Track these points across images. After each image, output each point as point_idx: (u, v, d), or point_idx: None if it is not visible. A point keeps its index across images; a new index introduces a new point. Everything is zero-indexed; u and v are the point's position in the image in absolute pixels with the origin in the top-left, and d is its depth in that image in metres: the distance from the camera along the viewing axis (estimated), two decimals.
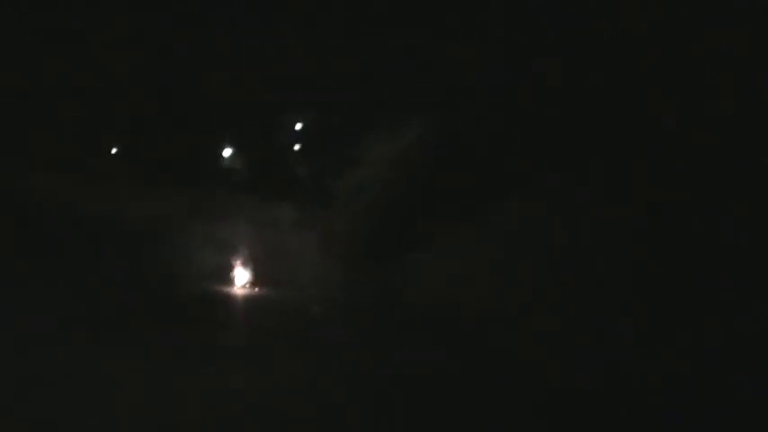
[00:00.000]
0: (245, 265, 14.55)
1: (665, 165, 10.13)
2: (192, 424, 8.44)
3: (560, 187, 11.64)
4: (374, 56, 14.05)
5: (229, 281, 14.38)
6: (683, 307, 8.90)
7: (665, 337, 8.84)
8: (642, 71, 10.85)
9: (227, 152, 16.43)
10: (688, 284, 9.07)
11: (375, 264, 13.62)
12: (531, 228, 11.81)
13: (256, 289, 14.32)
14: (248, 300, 14.04)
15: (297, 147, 16.35)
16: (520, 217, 12.02)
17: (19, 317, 10.74)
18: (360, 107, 14.70)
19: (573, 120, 11.53)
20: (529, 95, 12.11)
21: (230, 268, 14.52)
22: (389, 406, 8.83)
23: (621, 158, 10.78)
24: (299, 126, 16.26)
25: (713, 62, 9.92)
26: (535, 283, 10.97)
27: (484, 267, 12.06)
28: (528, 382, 8.84)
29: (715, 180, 9.56)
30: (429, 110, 13.70)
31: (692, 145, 9.95)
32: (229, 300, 13.88)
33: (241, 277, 14.43)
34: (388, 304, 12.56)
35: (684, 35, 10.35)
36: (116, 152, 16.29)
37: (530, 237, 11.72)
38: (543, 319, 10.13)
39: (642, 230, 10.02)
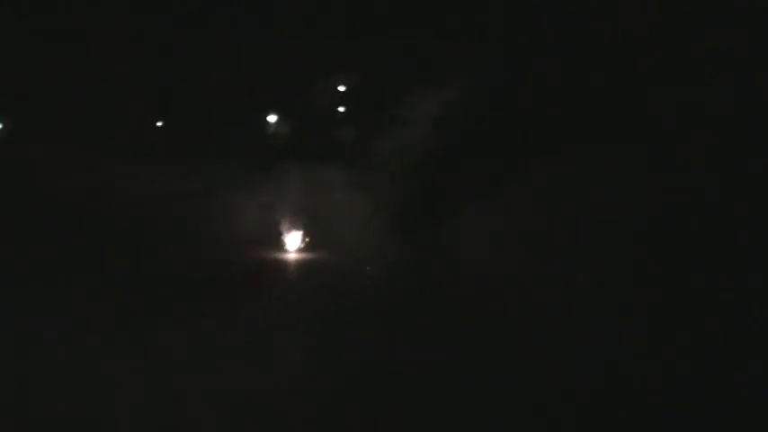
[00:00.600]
0: (292, 230, 14.85)
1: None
2: (249, 387, 8.62)
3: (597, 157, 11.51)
4: (418, 18, 14.07)
5: (278, 246, 14.68)
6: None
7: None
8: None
9: (271, 118, 16.57)
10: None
11: (419, 224, 13.67)
12: (568, 193, 11.70)
13: (304, 253, 14.55)
14: (297, 264, 14.22)
15: (341, 109, 16.44)
16: (559, 181, 11.96)
17: (70, 288, 11.55)
18: (402, 68, 14.77)
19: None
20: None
21: (278, 234, 14.80)
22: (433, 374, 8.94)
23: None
24: (342, 88, 16.33)
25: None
26: (567, 253, 10.95)
27: (527, 228, 11.98)
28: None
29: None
30: (471, 69, 13.70)
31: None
32: (278, 265, 14.11)
33: (289, 242, 14.78)
34: (430, 266, 12.60)
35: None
36: (161, 125, 16.43)
37: (566, 201, 11.62)
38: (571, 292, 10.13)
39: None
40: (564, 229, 11.53)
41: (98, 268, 12.94)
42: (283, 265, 14.52)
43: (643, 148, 10.71)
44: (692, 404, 7.72)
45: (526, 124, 12.76)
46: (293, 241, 15.12)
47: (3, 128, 15.65)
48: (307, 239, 15.10)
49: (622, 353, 8.83)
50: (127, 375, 8.83)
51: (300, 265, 14.54)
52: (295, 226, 15.24)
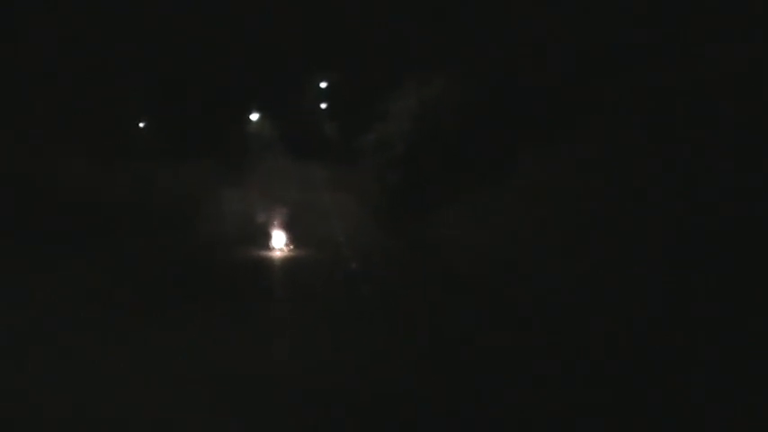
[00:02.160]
0: (277, 227, 14.73)
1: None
2: (234, 387, 8.71)
3: (584, 144, 11.64)
4: (397, 13, 13.95)
5: (263, 244, 14.53)
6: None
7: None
8: None
9: (254, 116, 16.39)
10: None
11: (405, 219, 13.68)
12: (555, 183, 11.81)
13: (290, 251, 14.41)
14: (283, 262, 14.10)
15: (323, 106, 16.32)
16: (544, 172, 12.02)
17: (63, 287, 11.53)
18: (383, 64, 14.67)
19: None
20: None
21: (263, 232, 14.69)
22: (431, 361, 9.15)
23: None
24: (323, 85, 16.20)
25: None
26: (557, 238, 11.04)
27: (510, 220, 12.08)
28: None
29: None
30: (452, 66, 13.67)
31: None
32: (264, 263, 13.97)
33: (275, 240, 14.61)
34: (418, 258, 12.63)
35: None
36: (144, 125, 16.21)
37: (554, 191, 11.70)
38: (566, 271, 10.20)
39: None
40: (548, 217, 11.60)
41: (85, 267, 12.88)
42: (269, 263, 14.43)
43: (630, 133, 10.77)
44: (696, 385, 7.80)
45: (509, 117, 12.80)
46: (279, 239, 14.98)
47: None
48: (292, 237, 14.98)
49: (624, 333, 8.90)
50: (120, 369, 9.01)
51: (286, 262, 14.47)
52: (280, 224, 15.12)
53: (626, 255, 10.07)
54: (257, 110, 15.94)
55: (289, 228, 14.95)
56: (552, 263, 11.12)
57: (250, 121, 16.03)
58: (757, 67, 9.51)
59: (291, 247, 14.85)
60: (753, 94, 9.50)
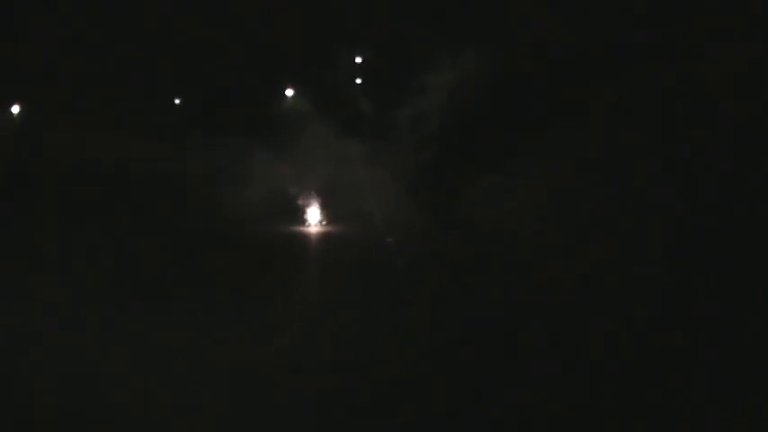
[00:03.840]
0: (314, 203, 14.69)
1: None
2: (268, 360, 9.14)
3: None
4: None
5: (299, 220, 14.56)
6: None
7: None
8: None
9: (289, 92, 16.43)
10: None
11: (439, 194, 13.69)
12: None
13: (325, 226, 14.43)
14: (318, 237, 14.15)
15: (358, 81, 16.35)
16: (578, 146, 12.02)
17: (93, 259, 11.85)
18: (417, 39, 14.73)
19: None
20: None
21: (299, 207, 14.67)
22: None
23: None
24: (359, 60, 16.23)
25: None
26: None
27: (542, 196, 12.08)
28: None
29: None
30: (485, 41, 13.72)
31: None
32: (300, 238, 14.07)
33: (310, 215, 14.59)
34: (451, 234, 12.67)
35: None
36: (179, 103, 16.27)
37: (589, 166, 11.69)
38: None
39: None
40: (582, 196, 11.57)
41: (119, 243, 13.00)
42: (304, 238, 14.53)
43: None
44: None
45: (544, 92, 12.78)
46: (314, 215, 15.05)
47: (21, 110, 15.49)
48: (327, 212, 15.03)
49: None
50: (143, 348, 9.32)
51: (321, 238, 14.56)
52: (315, 199, 15.18)
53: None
54: (292, 86, 15.94)
55: (324, 203, 14.99)
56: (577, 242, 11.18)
57: (285, 96, 16.02)
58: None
59: (326, 222, 14.89)
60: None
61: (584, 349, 8.99)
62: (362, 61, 15.56)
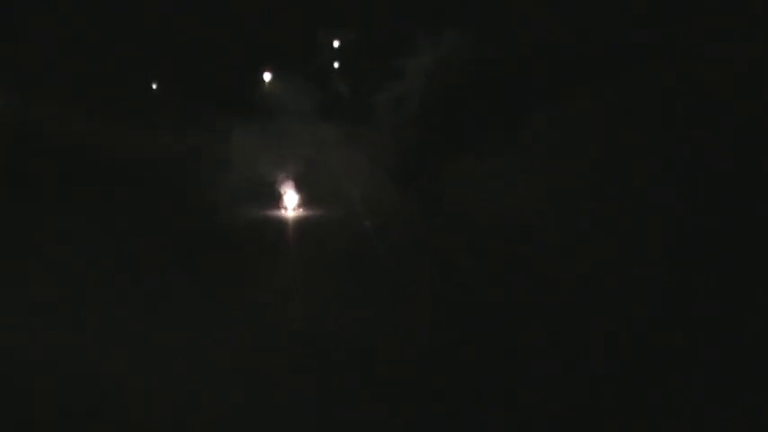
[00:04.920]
0: (291, 187, 14.58)
1: None
2: (245, 346, 9.21)
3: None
4: None
5: (277, 204, 14.47)
6: None
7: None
8: None
9: (266, 76, 16.39)
10: None
11: (418, 177, 13.67)
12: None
13: (303, 211, 14.37)
14: (296, 221, 14.08)
15: (336, 65, 16.33)
16: (557, 131, 12.01)
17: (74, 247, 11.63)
18: (396, 22, 14.75)
19: None
20: None
21: (277, 191, 14.59)
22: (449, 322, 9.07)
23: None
24: (336, 44, 16.21)
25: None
26: (571, 196, 11.05)
27: (523, 178, 12.07)
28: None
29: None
30: (464, 21, 13.74)
31: None
32: (278, 223, 14.00)
33: (288, 199, 14.50)
34: (431, 216, 12.65)
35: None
36: (156, 88, 16.26)
37: (567, 149, 11.68)
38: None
39: None
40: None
41: (100, 230, 12.89)
42: (283, 222, 14.46)
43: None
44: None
45: (521, 75, 12.78)
46: (292, 199, 14.97)
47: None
48: (306, 196, 14.96)
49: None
50: (125, 332, 9.41)
51: (300, 222, 14.49)
52: (294, 183, 15.11)
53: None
54: (270, 70, 15.91)
55: (302, 187, 14.92)
56: (558, 224, 11.18)
57: (263, 81, 15.99)
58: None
59: (305, 206, 14.81)
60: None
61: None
62: (340, 45, 15.56)
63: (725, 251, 8.91)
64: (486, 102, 13.34)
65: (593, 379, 8.50)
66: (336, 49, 15.52)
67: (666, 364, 8.40)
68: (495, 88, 13.22)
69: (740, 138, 9.46)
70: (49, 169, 14.18)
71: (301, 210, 14.60)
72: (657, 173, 10.23)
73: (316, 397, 8.43)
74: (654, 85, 10.87)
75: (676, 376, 8.23)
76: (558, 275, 10.24)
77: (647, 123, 10.64)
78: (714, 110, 9.77)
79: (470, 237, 11.95)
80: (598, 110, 11.62)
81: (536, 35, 12.53)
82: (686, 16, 10.37)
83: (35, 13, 14.64)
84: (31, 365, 8.89)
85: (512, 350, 9.27)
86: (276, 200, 14.69)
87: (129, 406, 8.44)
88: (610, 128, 11.30)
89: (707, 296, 8.82)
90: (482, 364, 8.85)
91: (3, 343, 9.22)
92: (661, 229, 9.77)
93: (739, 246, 8.88)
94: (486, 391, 8.56)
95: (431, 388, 8.56)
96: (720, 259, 8.91)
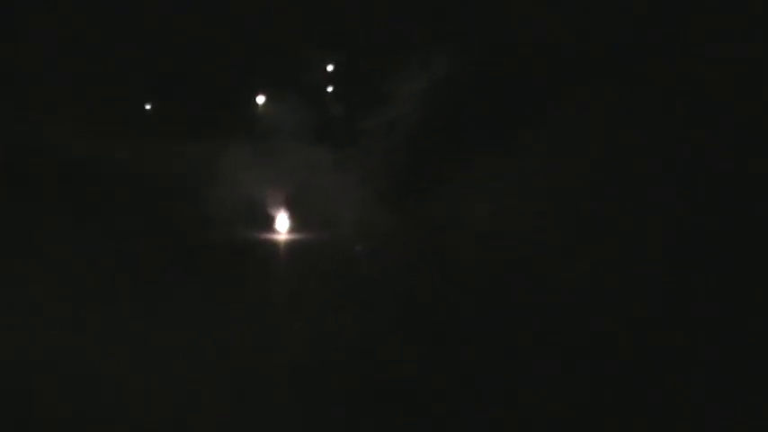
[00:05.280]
0: (281, 210, 14.59)
1: None
2: (236, 368, 9.22)
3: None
4: None
5: (267, 227, 14.46)
6: None
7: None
8: None
9: (260, 99, 16.42)
10: None
11: (409, 200, 13.69)
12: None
13: (294, 234, 14.37)
14: (287, 244, 14.06)
15: (329, 89, 16.36)
16: (549, 150, 12.04)
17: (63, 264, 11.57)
18: (387, 47, 14.78)
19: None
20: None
21: (269, 214, 14.60)
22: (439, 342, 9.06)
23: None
24: (330, 68, 16.25)
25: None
26: (564, 218, 11.07)
27: (514, 199, 12.09)
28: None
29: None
30: (454, 48, 13.76)
31: None
32: (268, 246, 13.97)
33: (279, 223, 14.50)
34: (423, 239, 12.67)
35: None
36: (149, 108, 16.27)
37: (559, 169, 11.71)
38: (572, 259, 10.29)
39: None
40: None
41: (87, 251, 12.87)
42: (273, 245, 14.43)
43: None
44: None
45: (513, 98, 12.81)
46: (283, 222, 14.97)
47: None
48: (297, 219, 14.95)
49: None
50: (121, 348, 9.48)
51: (291, 245, 14.47)
52: (285, 206, 15.10)
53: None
54: (263, 93, 15.94)
55: (294, 210, 14.94)
56: (553, 258, 11.17)
57: (255, 104, 16.03)
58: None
59: (296, 229, 14.81)
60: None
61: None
62: (333, 69, 15.60)
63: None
64: (478, 125, 13.37)
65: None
66: (330, 73, 15.59)
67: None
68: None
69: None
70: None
71: (291, 233, 14.59)
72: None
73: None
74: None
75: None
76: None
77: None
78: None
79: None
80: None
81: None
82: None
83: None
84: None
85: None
86: (267, 222, 14.68)
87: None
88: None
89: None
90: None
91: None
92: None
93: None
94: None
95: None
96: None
